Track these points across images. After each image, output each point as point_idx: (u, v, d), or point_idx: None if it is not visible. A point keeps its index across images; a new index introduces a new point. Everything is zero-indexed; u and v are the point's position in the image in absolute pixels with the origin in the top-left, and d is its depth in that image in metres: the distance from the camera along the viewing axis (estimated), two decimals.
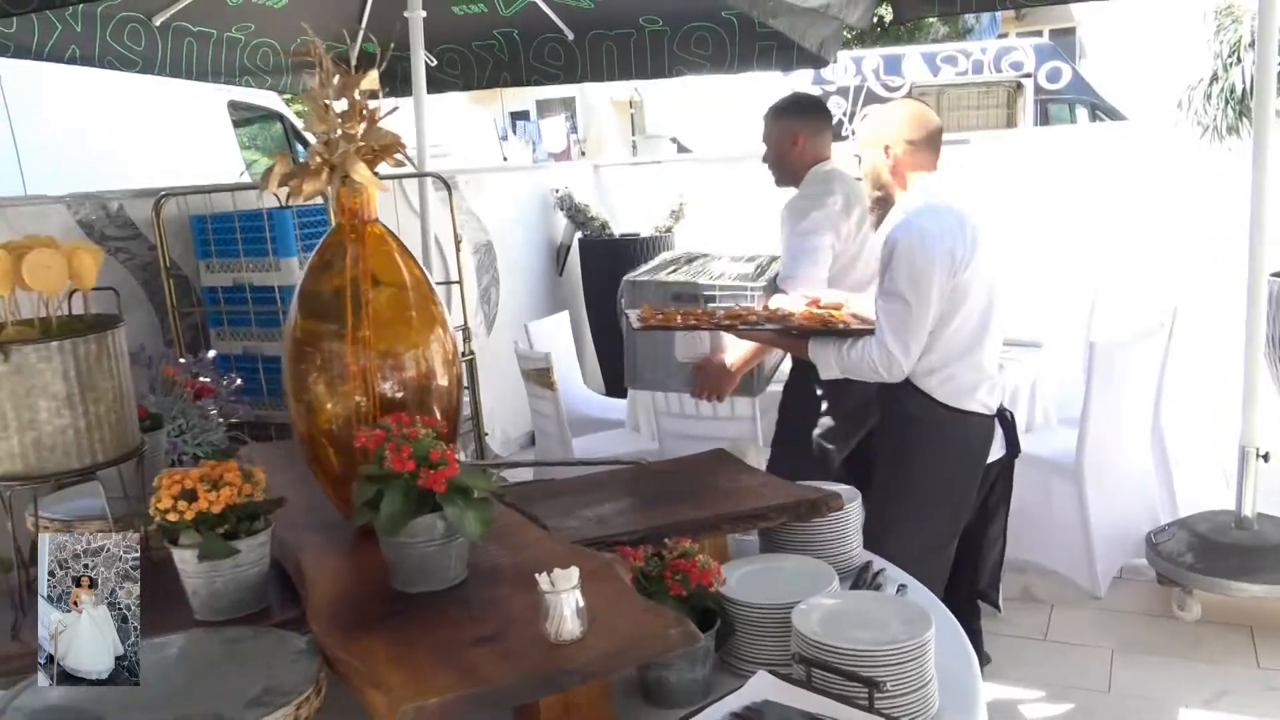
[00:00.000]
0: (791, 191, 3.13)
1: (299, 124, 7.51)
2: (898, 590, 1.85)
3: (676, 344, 2.97)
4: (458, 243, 3.81)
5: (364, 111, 1.48)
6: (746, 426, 3.51)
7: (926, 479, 2.58)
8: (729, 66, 4.70)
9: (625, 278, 3.17)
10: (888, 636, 1.46)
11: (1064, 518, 3.65)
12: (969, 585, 2.96)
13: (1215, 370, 4.93)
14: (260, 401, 3.53)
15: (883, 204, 2.63)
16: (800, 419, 3.12)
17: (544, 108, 18.54)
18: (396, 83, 4.51)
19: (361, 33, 4.42)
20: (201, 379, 2.67)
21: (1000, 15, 15.63)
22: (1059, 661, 3.24)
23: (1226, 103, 4.74)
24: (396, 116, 1.65)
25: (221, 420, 2.74)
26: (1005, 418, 2.71)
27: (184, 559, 1.47)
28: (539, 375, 4.00)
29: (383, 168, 1.56)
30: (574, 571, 1.26)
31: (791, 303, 2.72)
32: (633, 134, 17.89)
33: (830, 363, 2.54)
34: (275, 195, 3.89)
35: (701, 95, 13.93)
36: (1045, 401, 3.97)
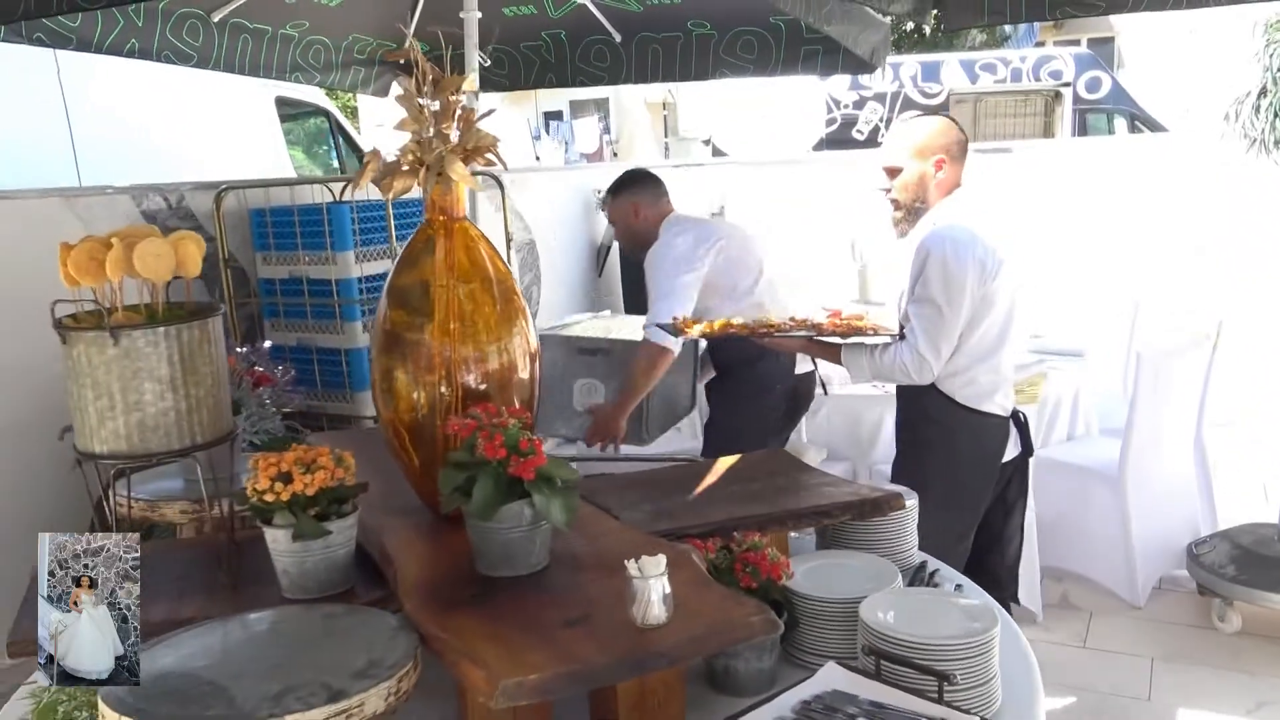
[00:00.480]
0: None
1: (343, 120, 7.62)
2: (955, 589, 1.89)
3: (574, 393, 3.32)
4: (509, 242, 3.87)
5: (458, 112, 1.53)
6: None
7: (945, 476, 2.67)
8: (772, 70, 4.73)
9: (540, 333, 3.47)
10: (957, 631, 1.50)
11: (1105, 527, 3.67)
12: (990, 579, 3.05)
13: (1258, 382, 4.93)
14: (313, 392, 3.61)
15: (914, 213, 2.74)
16: (728, 419, 3.41)
17: (577, 108, 18.59)
18: None
19: (413, 28, 4.49)
20: (258, 369, 2.75)
21: (1038, 24, 15.56)
22: (1098, 669, 3.26)
23: (1276, 115, 4.73)
24: None
25: (275, 410, 2.82)
26: (1019, 419, 2.84)
27: (276, 539, 1.53)
28: None
29: None
30: (661, 559, 1.31)
31: (816, 314, 2.84)
32: (665, 136, 17.92)
33: (863, 367, 2.67)
34: (331, 190, 3.97)
35: (735, 97, 13.94)
36: (1087, 410, 3.98)
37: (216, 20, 4.19)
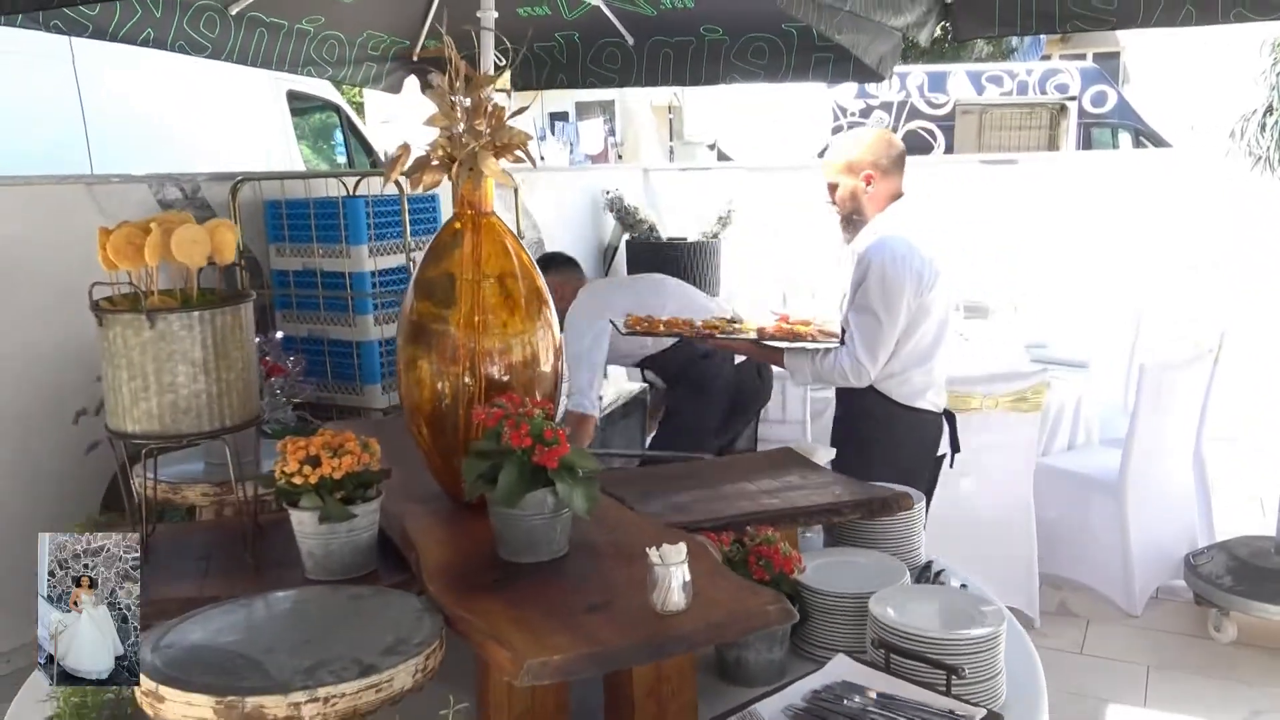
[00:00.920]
0: None
1: (354, 115, 7.66)
2: (960, 588, 1.92)
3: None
4: (520, 240, 3.91)
5: (490, 109, 1.57)
6: (796, 429, 3.60)
7: (889, 466, 2.73)
8: (782, 76, 4.76)
9: None
10: (965, 627, 1.54)
11: (1103, 536, 3.71)
12: None
13: (1258, 396, 4.97)
14: (324, 384, 3.64)
15: (854, 224, 2.90)
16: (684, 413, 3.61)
17: (583, 109, 18.62)
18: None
19: (426, 28, 4.52)
20: (269, 359, 2.78)
21: (1044, 37, 15.61)
22: (1095, 676, 3.30)
23: None
24: None
25: (285, 400, 2.85)
26: (950, 416, 3.01)
27: (302, 521, 1.57)
28: None
29: None
30: (682, 547, 1.34)
31: (763, 319, 3.05)
32: (670, 139, 17.96)
33: (805, 371, 2.85)
34: (345, 184, 4.00)
35: (742, 103, 13.99)
36: (1088, 420, 4.02)
37: (234, 13, 4.23)
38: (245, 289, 1.70)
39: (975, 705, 1.43)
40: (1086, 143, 10.19)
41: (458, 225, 1.69)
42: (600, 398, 3.00)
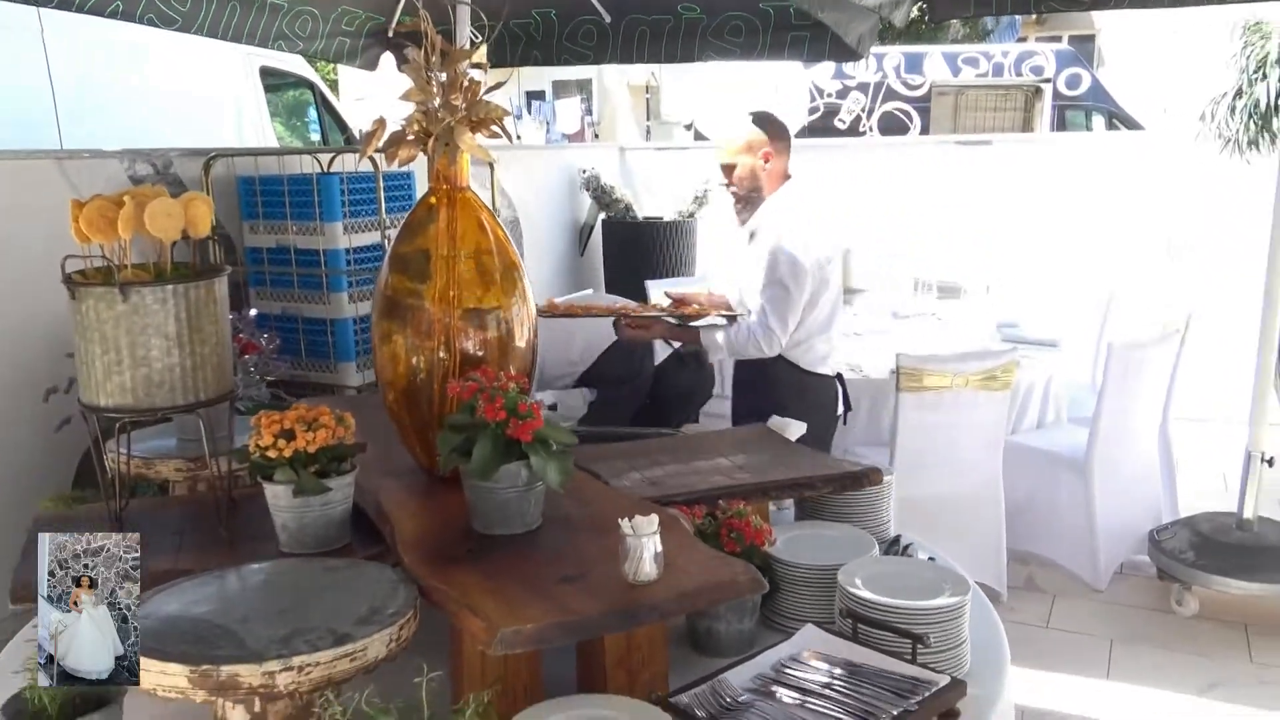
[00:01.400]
0: None
1: (328, 92, 7.58)
2: (928, 560, 1.96)
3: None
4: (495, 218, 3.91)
5: (466, 84, 1.57)
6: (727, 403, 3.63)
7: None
8: (758, 54, 4.77)
9: None
10: (931, 597, 1.57)
11: (1070, 512, 3.77)
12: None
13: (1222, 376, 5.06)
14: (298, 361, 3.63)
15: (752, 203, 3.08)
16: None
17: (560, 88, 18.53)
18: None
19: (402, 3, 4.49)
20: (243, 336, 2.77)
21: (1020, 19, 15.68)
22: (1060, 649, 3.36)
23: (1249, 117, 4.84)
24: None
25: (259, 377, 2.85)
26: (841, 379, 3.22)
27: (277, 494, 1.58)
28: None
29: None
30: (654, 518, 1.36)
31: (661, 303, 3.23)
32: (647, 119, 17.90)
33: (720, 344, 3.02)
34: (319, 160, 3.97)
35: (719, 82, 13.95)
36: (1058, 399, 4.08)
37: None
38: (219, 264, 1.70)
39: (940, 673, 1.46)
40: (1060, 124, 10.27)
41: (433, 200, 1.69)
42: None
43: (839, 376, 3.20)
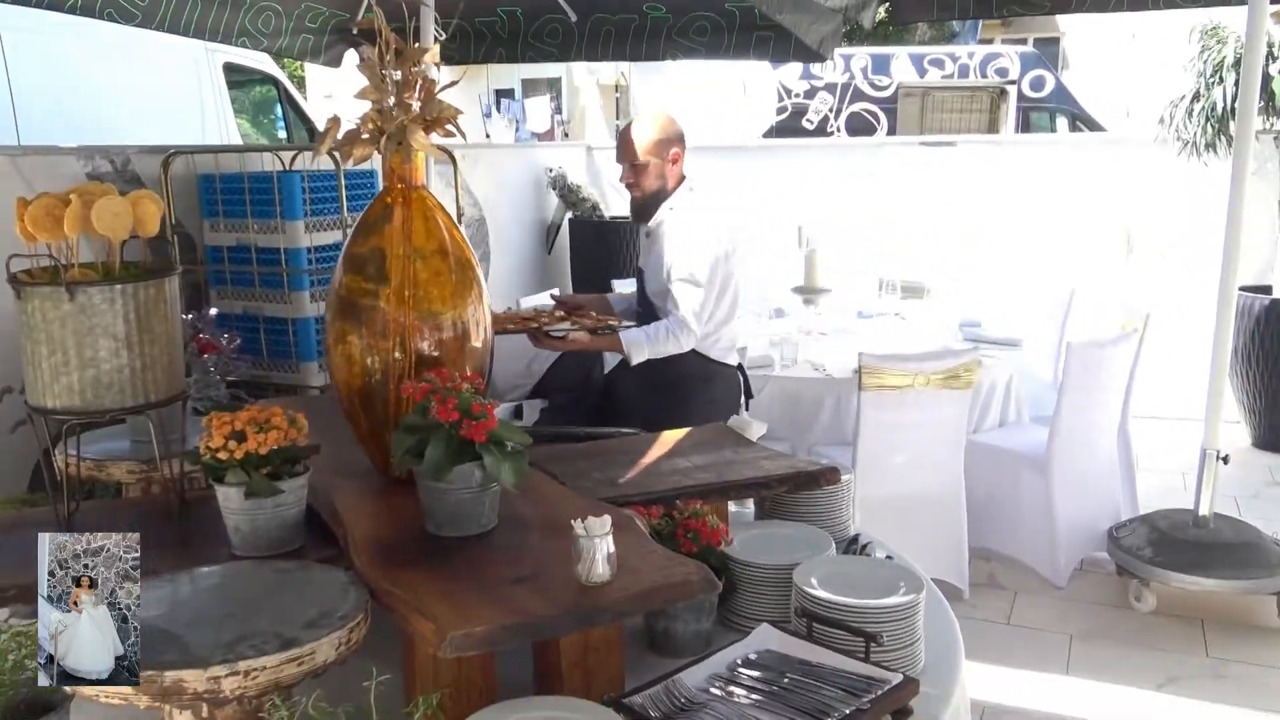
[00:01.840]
0: None
1: (293, 89, 7.51)
2: (885, 559, 1.97)
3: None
4: (459, 217, 3.89)
5: (421, 83, 1.56)
6: None
7: (707, 418, 2.81)
8: (724, 53, 4.80)
9: None
10: (884, 596, 1.58)
11: (1031, 510, 3.81)
12: None
13: (1181, 374, 5.13)
14: (259, 361, 3.60)
15: (655, 202, 3.13)
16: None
17: (529, 87, 18.47)
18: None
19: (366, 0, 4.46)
20: (203, 336, 2.74)
21: (982, 21, 15.83)
22: (1020, 645, 3.40)
23: (1207, 120, 4.91)
24: None
25: (219, 378, 2.81)
26: (742, 369, 3.33)
27: (228, 496, 1.56)
28: None
29: None
30: (607, 519, 1.36)
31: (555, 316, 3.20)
32: (616, 118, 17.89)
33: (641, 346, 3.03)
34: (281, 158, 3.94)
35: (689, 82, 13.98)
36: (1019, 398, 4.12)
37: None
38: (174, 263, 1.68)
39: (893, 671, 1.47)
40: (1025, 126, 10.37)
41: (388, 200, 1.68)
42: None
43: (740, 367, 3.29)
